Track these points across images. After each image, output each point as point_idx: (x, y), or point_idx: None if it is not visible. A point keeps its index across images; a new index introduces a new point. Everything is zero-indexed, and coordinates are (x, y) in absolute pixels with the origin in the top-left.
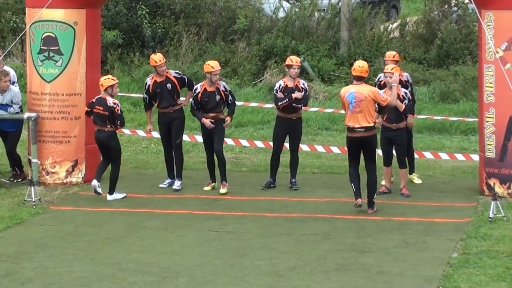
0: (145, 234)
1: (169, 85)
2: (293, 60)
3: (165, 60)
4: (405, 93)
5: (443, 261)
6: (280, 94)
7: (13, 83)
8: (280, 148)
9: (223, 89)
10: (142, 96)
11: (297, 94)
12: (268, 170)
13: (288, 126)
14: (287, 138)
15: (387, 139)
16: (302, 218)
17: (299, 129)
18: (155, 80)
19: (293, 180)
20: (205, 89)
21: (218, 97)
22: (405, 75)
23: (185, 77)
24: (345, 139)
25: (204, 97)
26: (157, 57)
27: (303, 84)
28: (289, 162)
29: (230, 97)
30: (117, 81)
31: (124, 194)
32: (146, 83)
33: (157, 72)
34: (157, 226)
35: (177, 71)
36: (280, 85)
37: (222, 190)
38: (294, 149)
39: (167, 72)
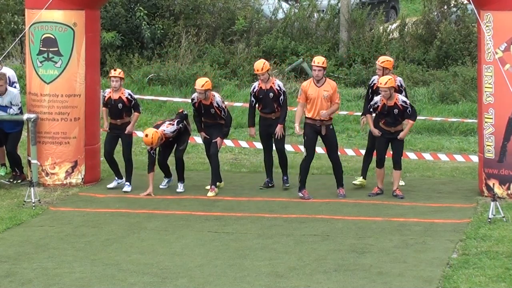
0: (145, 235)
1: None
2: (257, 68)
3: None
4: (404, 102)
5: (442, 261)
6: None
7: (12, 84)
8: (267, 147)
9: (216, 105)
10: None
11: (278, 130)
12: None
13: (269, 125)
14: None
15: (385, 140)
16: (302, 219)
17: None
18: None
19: (285, 177)
20: (200, 101)
21: (213, 110)
22: (398, 80)
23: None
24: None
25: (199, 108)
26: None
27: (278, 86)
28: (278, 162)
29: (223, 113)
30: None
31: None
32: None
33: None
34: (157, 227)
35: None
36: (254, 88)
37: (209, 194)
38: (279, 148)
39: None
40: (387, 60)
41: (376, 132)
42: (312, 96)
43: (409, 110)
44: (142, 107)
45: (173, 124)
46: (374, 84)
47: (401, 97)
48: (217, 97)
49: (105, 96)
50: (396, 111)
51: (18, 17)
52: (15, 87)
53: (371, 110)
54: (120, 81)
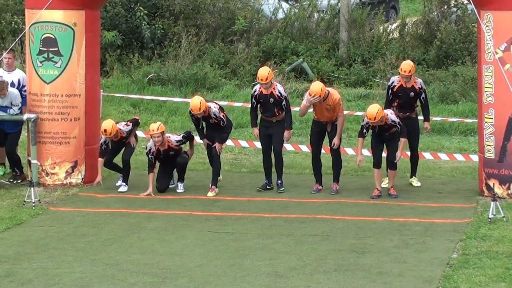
0: (145, 235)
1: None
2: (260, 77)
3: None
4: (393, 121)
5: (442, 261)
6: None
7: (22, 87)
8: (267, 148)
9: (214, 116)
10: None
11: (286, 135)
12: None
13: (269, 127)
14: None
15: (380, 141)
16: (302, 219)
17: (279, 132)
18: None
19: (279, 181)
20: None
21: (211, 120)
22: (419, 82)
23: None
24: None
25: (198, 119)
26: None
27: (279, 92)
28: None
29: (221, 122)
30: None
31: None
32: (255, 90)
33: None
34: (157, 227)
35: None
36: (255, 91)
37: (209, 194)
38: (276, 151)
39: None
40: (412, 66)
41: (362, 160)
42: (317, 105)
43: (398, 128)
44: (142, 106)
45: (179, 135)
46: (395, 86)
47: (390, 117)
48: (213, 108)
49: (107, 142)
50: (386, 126)
51: (18, 17)
52: (24, 90)
53: (364, 131)
54: (116, 133)
